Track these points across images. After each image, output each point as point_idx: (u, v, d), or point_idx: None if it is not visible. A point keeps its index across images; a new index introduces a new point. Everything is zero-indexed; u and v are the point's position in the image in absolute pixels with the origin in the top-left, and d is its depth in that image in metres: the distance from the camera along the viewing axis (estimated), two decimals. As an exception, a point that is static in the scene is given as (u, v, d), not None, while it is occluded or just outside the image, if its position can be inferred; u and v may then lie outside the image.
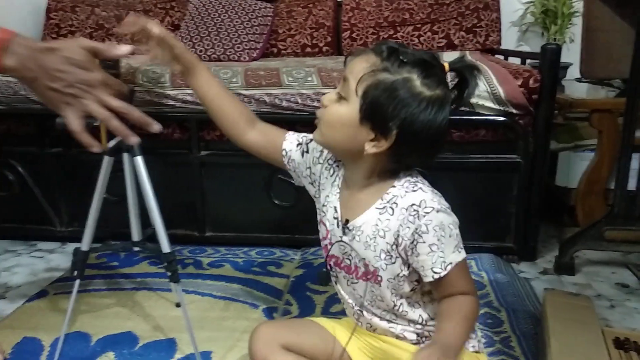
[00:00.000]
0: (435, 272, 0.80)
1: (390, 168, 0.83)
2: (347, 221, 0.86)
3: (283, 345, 0.92)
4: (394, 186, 0.83)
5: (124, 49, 0.88)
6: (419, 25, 2.35)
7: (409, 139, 0.78)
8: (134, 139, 0.86)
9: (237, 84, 1.64)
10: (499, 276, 1.55)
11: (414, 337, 0.89)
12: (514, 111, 1.57)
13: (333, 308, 1.37)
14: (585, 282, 1.57)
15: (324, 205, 0.91)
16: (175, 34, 2.35)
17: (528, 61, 2.11)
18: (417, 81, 0.76)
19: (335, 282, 0.95)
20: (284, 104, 1.63)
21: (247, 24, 2.28)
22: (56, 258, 1.76)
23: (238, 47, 2.20)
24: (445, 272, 0.80)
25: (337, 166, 0.91)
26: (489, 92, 1.55)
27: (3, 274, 1.64)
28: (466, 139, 1.63)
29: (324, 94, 1.63)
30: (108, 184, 1.18)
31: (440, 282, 0.81)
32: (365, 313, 0.90)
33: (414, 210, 0.79)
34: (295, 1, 2.46)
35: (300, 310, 1.38)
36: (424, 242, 0.79)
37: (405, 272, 0.84)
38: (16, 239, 1.89)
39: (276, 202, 1.73)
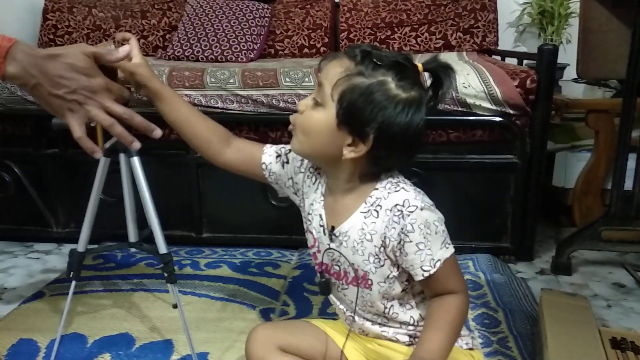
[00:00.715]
0: (424, 271, 0.80)
1: (370, 171, 0.83)
2: (332, 228, 0.86)
3: (280, 347, 0.92)
4: (376, 189, 0.83)
5: (124, 49, 0.88)
6: (416, 26, 2.35)
7: (386, 142, 0.77)
8: (136, 145, 0.86)
9: (234, 84, 1.64)
10: (496, 276, 1.55)
11: (406, 339, 0.89)
12: (511, 111, 1.57)
13: (330, 309, 1.37)
14: (582, 282, 1.57)
15: (309, 214, 0.91)
16: (173, 35, 2.35)
17: (525, 62, 2.12)
18: (392, 84, 0.76)
19: None
20: (281, 104, 1.63)
21: (244, 25, 2.28)
22: (52, 259, 1.76)
23: (235, 48, 2.20)
24: (434, 269, 0.80)
25: (319, 174, 0.91)
26: (486, 92, 1.55)
27: (-1, 276, 1.64)
28: (463, 139, 1.63)
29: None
30: (105, 185, 1.17)
31: (430, 279, 0.81)
32: (357, 318, 0.90)
33: (398, 210, 0.79)
34: (293, 2, 2.46)
35: (297, 311, 1.37)
36: (411, 242, 0.79)
37: (395, 273, 0.84)
38: (12, 240, 1.88)
39: (273, 202, 1.73)
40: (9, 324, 1.34)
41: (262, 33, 2.31)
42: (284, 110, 1.64)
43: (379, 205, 0.81)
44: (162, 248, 1.15)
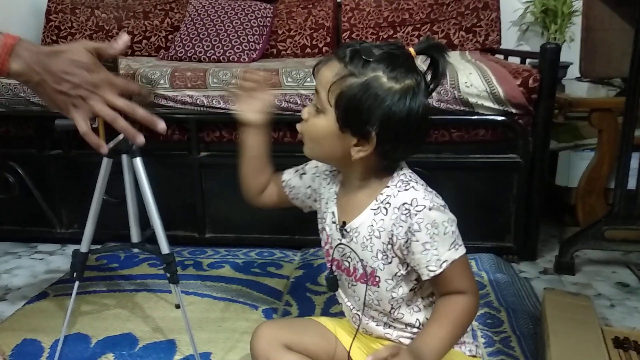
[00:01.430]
0: (430, 271, 0.80)
1: (382, 165, 0.83)
2: (344, 223, 0.86)
3: (285, 344, 0.91)
4: (388, 186, 0.83)
5: (123, 39, 0.88)
6: (418, 25, 2.35)
7: (390, 135, 0.77)
8: (140, 139, 0.86)
9: (236, 85, 1.64)
10: (499, 276, 1.55)
11: (410, 342, 0.88)
12: (514, 111, 1.57)
13: (333, 309, 1.37)
14: (586, 282, 1.57)
15: (324, 212, 0.92)
16: (175, 35, 2.35)
17: (528, 60, 2.11)
18: (384, 77, 0.76)
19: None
20: (284, 104, 1.63)
21: (246, 25, 2.28)
22: (56, 260, 1.77)
23: (238, 48, 2.21)
24: (440, 270, 0.79)
25: (334, 175, 0.92)
26: (489, 91, 1.55)
27: (3, 276, 1.65)
28: (466, 138, 1.63)
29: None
30: (107, 185, 1.18)
31: (437, 280, 0.81)
32: (363, 317, 0.90)
33: (406, 209, 0.79)
34: (295, 2, 2.46)
35: (299, 311, 1.38)
36: (417, 241, 0.79)
37: (403, 272, 0.84)
38: (16, 241, 1.89)
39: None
40: (13, 324, 1.35)
41: (265, 33, 2.31)
42: (286, 111, 1.64)
43: (388, 202, 0.82)
44: (165, 248, 1.15)
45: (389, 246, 0.82)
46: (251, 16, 2.31)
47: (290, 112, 1.64)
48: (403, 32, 2.35)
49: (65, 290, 1.49)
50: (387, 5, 2.38)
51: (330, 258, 0.91)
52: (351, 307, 0.92)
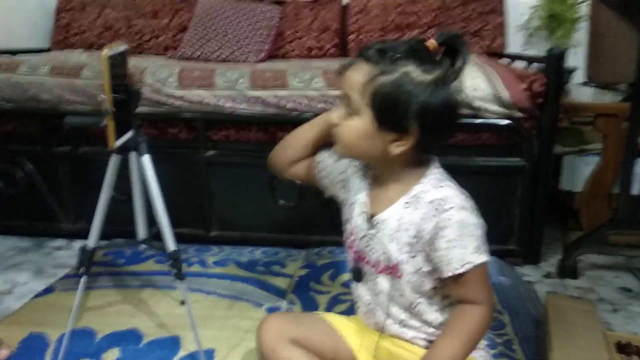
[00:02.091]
0: (452, 269, 0.80)
1: (418, 158, 0.85)
2: (372, 215, 0.87)
3: (291, 339, 0.91)
4: (421, 182, 0.85)
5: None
6: (425, 29, 2.35)
7: (429, 126, 0.80)
8: None
9: (243, 85, 1.66)
10: (502, 279, 1.55)
11: (423, 343, 0.89)
12: (519, 114, 1.57)
13: (336, 308, 1.38)
14: (589, 286, 1.57)
15: (352, 203, 0.92)
16: (183, 35, 2.37)
17: (534, 65, 2.11)
18: (414, 72, 0.78)
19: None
20: (290, 105, 1.64)
21: (254, 26, 2.29)
22: (63, 255, 1.78)
23: (245, 49, 2.22)
24: (462, 270, 0.80)
25: (367, 168, 0.93)
26: (494, 95, 1.56)
27: (11, 271, 1.66)
28: (470, 141, 1.63)
29: (329, 95, 1.65)
30: (115, 182, 1.19)
31: (457, 281, 0.81)
32: (377, 313, 0.90)
33: (437, 205, 0.81)
34: (302, 4, 2.47)
35: (303, 310, 1.38)
36: (444, 237, 0.80)
37: (427, 268, 0.84)
38: (24, 236, 1.91)
39: (281, 202, 1.74)
40: (20, 318, 1.36)
41: (272, 34, 2.32)
42: (292, 111, 1.65)
43: (420, 197, 0.83)
44: (171, 245, 1.16)
45: (416, 240, 0.83)
46: (259, 17, 2.32)
47: (297, 113, 1.65)
48: (409, 36, 2.36)
49: (71, 286, 1.51)
50: (393, 9, 2.38)
51: (354, 249, 0.91)
52: (368, 302, 0.92)
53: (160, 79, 1.68)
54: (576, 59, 2.30)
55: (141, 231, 1.24)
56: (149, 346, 1.24)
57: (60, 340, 1.24)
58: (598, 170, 1.83)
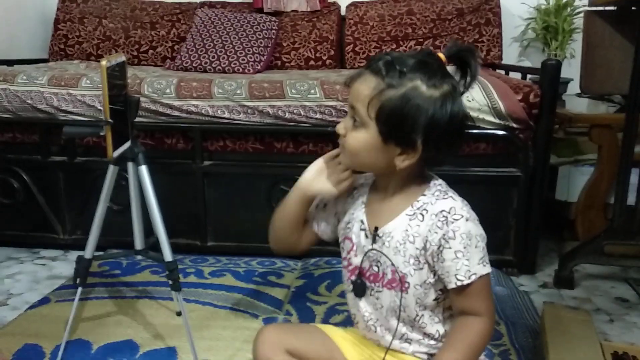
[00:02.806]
0: (458, 280, 0.80)
1: (423, 171, 0.85)
2: (376, 228, 0.86)
3: (287, 350, 0.91)
4: (424, 194, 0.84)
5: None
6: (421, 40, 2.37)
7: (435, 141, 0.79)
8: None
9: (241, 95, 1.67)
10: (499, 289, 1.55)
11: (425, 356, 0.88)
12: (514, 125, 1.58)
13: (333, 319, 1.38)
14: (585, 296, 1.57)
15: (348, 222, 0.91)
16: (181, 46, 2.38)
17: (529, 76, 2.13)
18: (422, 86, 0.77)
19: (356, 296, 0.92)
20: (287, 115, 1.65)
21: (252, 37, 2.31)
22: (59, 266, 1.77)
23: (243, 60, 2.23)
24: (468, 281, 0.80)
25: (356, 188, 0.92)
26: (490, 106, 1.57)
27: (6, 281, 1.66)
28: (466, 152, 1.64)
29: (326, 106, 1.67)
30: (112, 192, 1.19)
31: (461, 292, 0.81)
32: (377, 329, 0.89)
33: (443, 216, 0.81)
34: (300, 15, 2.49)
35: (300, 320, 1.38)
36: (450, 248, 0.80)
37: (432, 280, 0.84)
38: (20, 246, 1.90)
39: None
40: (15, 329, 1.35)
41: (269, 45, 2.34)
42: (289, 122, 1.66)
43: (425, 209, 0.83)
44: (168, 256, 1.16)
45: (422, 252, 0.83)
46: (256, 28, 2.34)
47: (293, 124, 1.66)
48: (406, 47, 2.38)
49: (67, 296, 1.50)
50: (390, 20, 2.41)
51: (352, 267, 0.90)
52: (368, 317, 0.90)
53: (158, 90, 1.69)
54: (571, 70, 2.33)
55: (138, 242, 1.24)
56: (145, 357, 1.23)
57: (55, 351, 1.23)
58: (593, 180, 1.84)
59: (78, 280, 1.21)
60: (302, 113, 1.64)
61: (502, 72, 2.26)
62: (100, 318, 1.40)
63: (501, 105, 1.56)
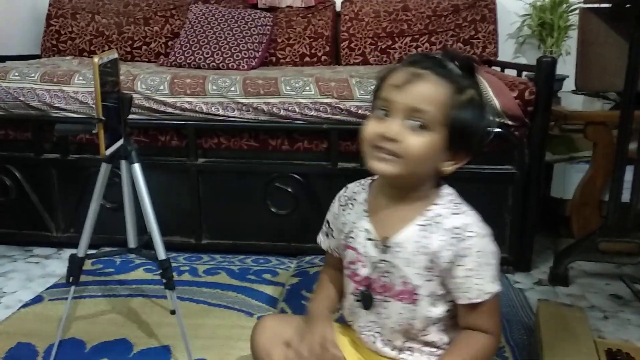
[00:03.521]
0: (469, 298, 0.79)
1: (438, 179, 0.84)
2: (385, 239, 0.84)
3: (286, 342, 0.90)
4: (436, 203, 0.82)
5: None
6: (416, 37, 2.37)
7: (478, 146, 0.80)
8: None
9: (235, 92, 1.66)
10: (494, 286, 1.55)
11: None
12: (510, 122, 1.58)
13: (328, 317, 1.37)
14: (580, 293, 1.58)
15: (351, 232, 0.88)
16: (175, 42, 2.37)
17: (524, 73, 2.13)
18: (475, 92, 0.79)
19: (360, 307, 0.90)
20: (282, 112, 1.64)
21: (246, 33, 2.29)
22: (52, 264, 1.76)
23: (237, 56, 2.22)
24: (478, 300, 0.79)
25: (353, 198, 0.90)
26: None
27: (-2, 279, 1.65)
28: (462, 149, 1.64)
29: (321, 103, 1.66)
30: (105, 190, 1.18)
31: (471, 309, 0.80)
32: (378, 342, 0.87)
33: (457, 233, 0.79)
34: (295, 11, 2.48)
35: (295, 318, 1.38)
36: (463, 266, 0.79)
37: (442, 292, 0.83)
38: (12, 244, 1.88)
39: (273, 210, 1.73)
40: (8, 328, 1.34)
41: (264, 41, 2.32)
42: (284, 119, 1.65)
43: (438, 222, 0.81)
44: (162, 254, 1.15)
45: (433, 265, 0.81)
46: (251, 24, 2.33)
47: (288, 121, 1.65)
48: (401, 43, 2.37)
49: (60, 295, 1.49)
50: (386, 16, 2.40)
51: (359, 278, 0.87)
52: (369, 327, 0.88)
53: (151, 86, 1.68)
54: (566, 67, 2.32)
55: (131, 240, 1.23)
56: (139, 356, 1.22)
57: (48, 350, 1.23)
58: (588, 177, 1.84)
59: (71, 279, 1.20)
60: (297, 110, 1.63)
61: (498, 68, 2.25)
62: (93, 317, 1.40)
63: (496, 102, 1.55)
